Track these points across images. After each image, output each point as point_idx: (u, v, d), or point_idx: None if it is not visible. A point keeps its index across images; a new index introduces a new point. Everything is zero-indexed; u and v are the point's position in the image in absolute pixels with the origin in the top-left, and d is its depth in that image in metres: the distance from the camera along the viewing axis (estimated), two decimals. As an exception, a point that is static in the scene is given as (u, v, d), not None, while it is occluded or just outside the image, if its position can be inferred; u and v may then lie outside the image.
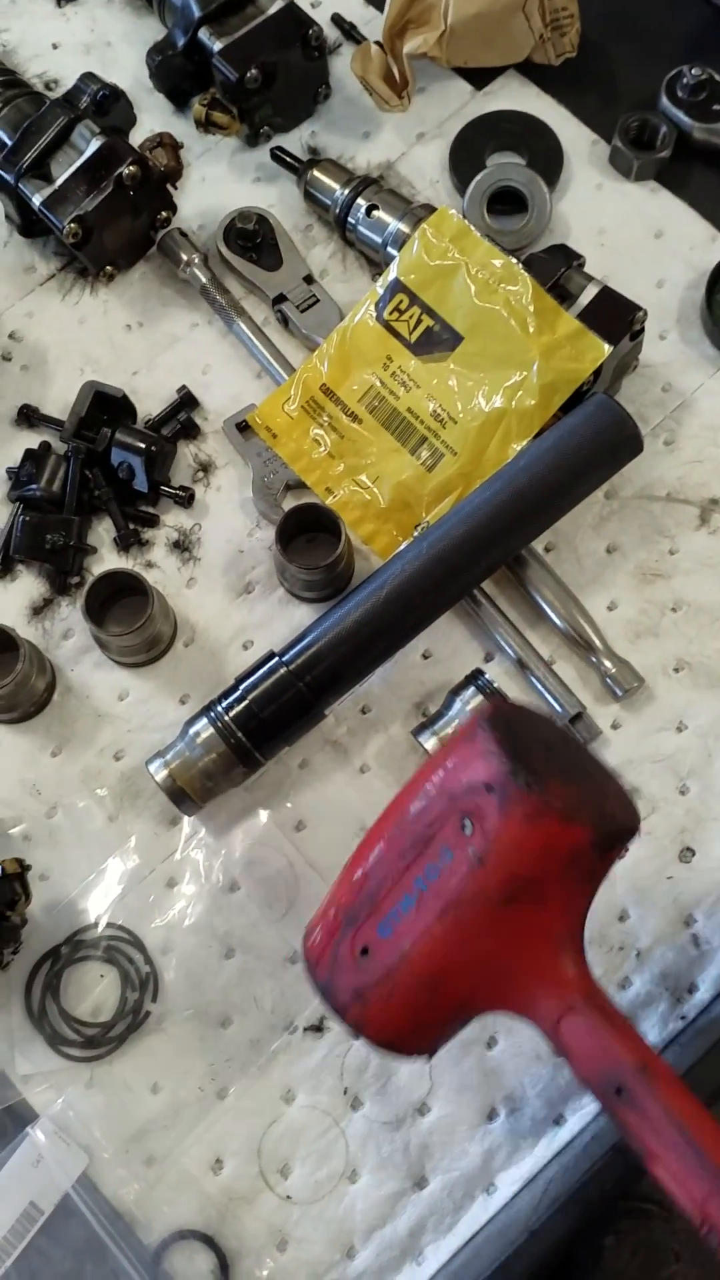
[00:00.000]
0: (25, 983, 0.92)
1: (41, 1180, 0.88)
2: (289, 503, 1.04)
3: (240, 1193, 0.88)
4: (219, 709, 0.92)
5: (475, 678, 0.92)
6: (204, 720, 0.92)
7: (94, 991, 0.92)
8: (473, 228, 1.01)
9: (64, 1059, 0.91)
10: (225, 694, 0.93)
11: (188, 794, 0.92)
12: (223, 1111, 0.90)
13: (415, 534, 1.00)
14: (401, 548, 0.97)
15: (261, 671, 0.93)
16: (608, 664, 0.96)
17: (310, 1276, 0.86)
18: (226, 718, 0.92)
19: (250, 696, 0.92)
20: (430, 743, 0.91)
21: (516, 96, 1.14)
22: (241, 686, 0.93)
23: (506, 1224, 0.84)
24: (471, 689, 0.91)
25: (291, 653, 0.93)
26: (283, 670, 0.93)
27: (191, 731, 0.92)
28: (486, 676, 0.92)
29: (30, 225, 1.09)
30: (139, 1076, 0.90)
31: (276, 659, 0.93)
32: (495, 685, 0.92)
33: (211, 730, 0.92)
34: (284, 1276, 0.86)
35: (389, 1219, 0.87)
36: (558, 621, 0.98)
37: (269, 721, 0.92)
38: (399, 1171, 0.88)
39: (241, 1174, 0.88)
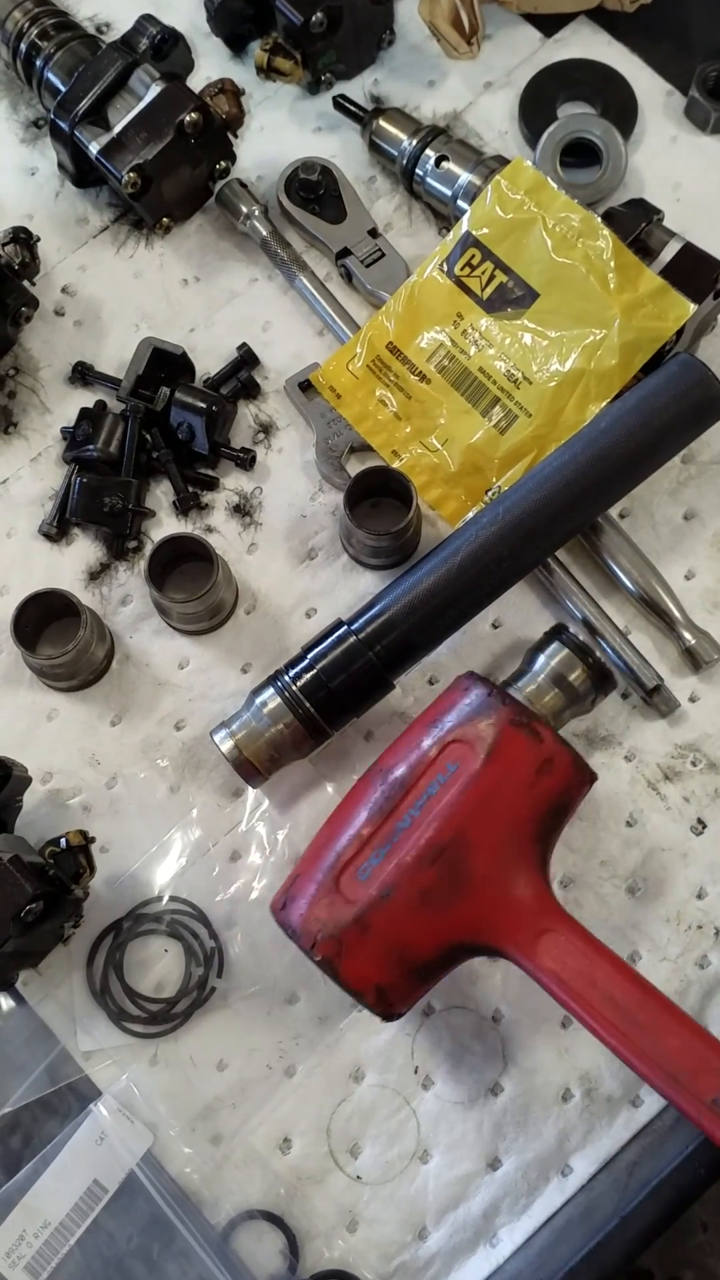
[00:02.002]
0: (87, 957, 0.90)
1: (105, 1158, 0.87)
2: (353, 466, 1.00)
3: (309, 1172, 0.86)
4: (286, 678, 0.89)
5: (558, 633, 0.88)
6: (270, 690, 0.90)
7: (157, 966, 0.90)
8: (549, 180, 0.97)
9: (127, 1035, 0.88)
10: (292, 663, 0.91)
11: (254, 766, 0.89)
12: (291, 1089, 0.88)
13: (486, 499, 0.97)
14: (475, 513, 0.94)
15: (330, 640, 0.90)
16: (686, 635, 0.93)
17: (381, 1258, 0.85)
18: (294, 687, 0.89)
19: (319, 666, 0.89)
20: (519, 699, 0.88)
21: (588, 44, 1.10)
22: (309, 655, 0.90)
23: (588, 1208, 0.82)
24: (556, 644, 0.87)
25: (361, 621, 0.90)
26: (352, 639, 0.89)
27: (258, 701, 0.90)
28: (570, 631, 0.88)
29: (84, 175, 1.05)
30: (205, 1053, 0.88)
31: (346, 627, 0.90)
32: (581, 638, 0.88)
33: (279, 700, 0.89)
34: (354, 1257, 0.85)
35: (461, 1200, 0.86)
36: (633, 590, 0.95)
37: (338, 692, 0.89)
38: (472, 1152, 0.86)
39: (310, 1153, 0.87)
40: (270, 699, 0.89)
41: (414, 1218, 0.85)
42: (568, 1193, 0.85)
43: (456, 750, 0.80)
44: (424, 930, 0.79)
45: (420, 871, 0.78)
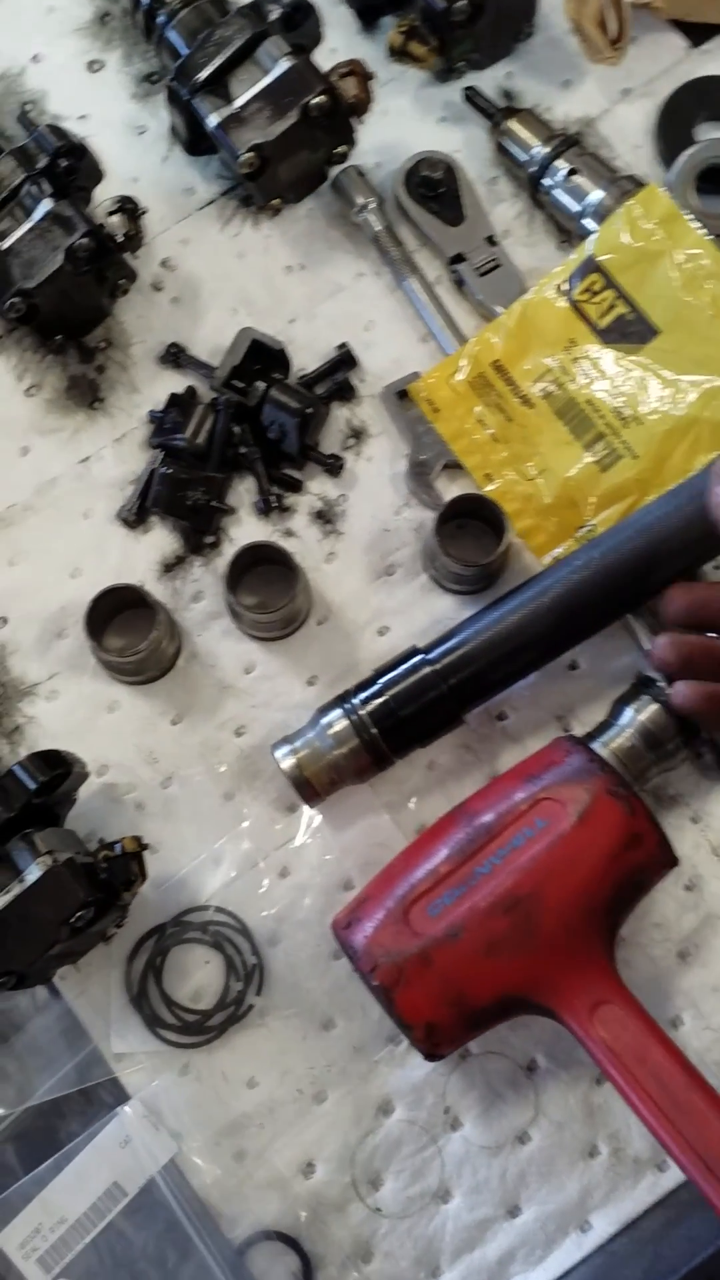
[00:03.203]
0: (127, 958, 0.89)
1: (127, 1161, 0.87)
2: (442, 483, 0.97)
3: (330, 1199, 0.86)
4: (354, 701, 0.87)
5: (646, 685, 0.86)
6: (338, 711, 0.88)
7: (196, 975, 0.89)
8: (685, 214, 0.93)
9: (160, 1042, 0.88)
10: (362, 685, 0.89)
11: (313, 787, 0.87)
12: (319, 1115, 0.87)
13: (578, 536, 0.94)
14: (568, 553, 0.91)
15: (404, 668, 0.88)
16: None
17: (394, 1291, 0.85)
18: (362, 712, 0.87)
19: (390, 693, 0.87)
20: (603, 754, 0.85)
21: (735, 60, 1.05)
22: (380, 680, 0.88)
23: (607, 1275, 0.82)
24: (646, 697, 0.85)
25: (438, 651, 0.88)
26: (427, 669, 0.87)
27: (323, 721, 0.88)
28: (659, 684, 0.86)
29: (196, 143, 1.01)
30: (236, 1069, 0.88)
31: (421, 656, 0.88)
32: (668, 692, 0.86)
33: (345, 723, 0.87)
34: (367, 1288, 0.85)
35: (478, 1244, 0.86)
36: None
37: (407, 721, 0.87)
38: (493, 1197, 0.86)
39: (333, 1181, 0.87)
40: (336, 720, 0.87)
41: (429, 1256, 0.86)
42: (585, 1250, 0.85)
43: (548, 808, 0.79)
44: (485, 977, 0.78)
45: (492, 919, 0.77)
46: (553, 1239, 0.86)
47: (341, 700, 0.88)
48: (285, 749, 0.88)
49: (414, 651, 0.89)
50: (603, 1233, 0.85)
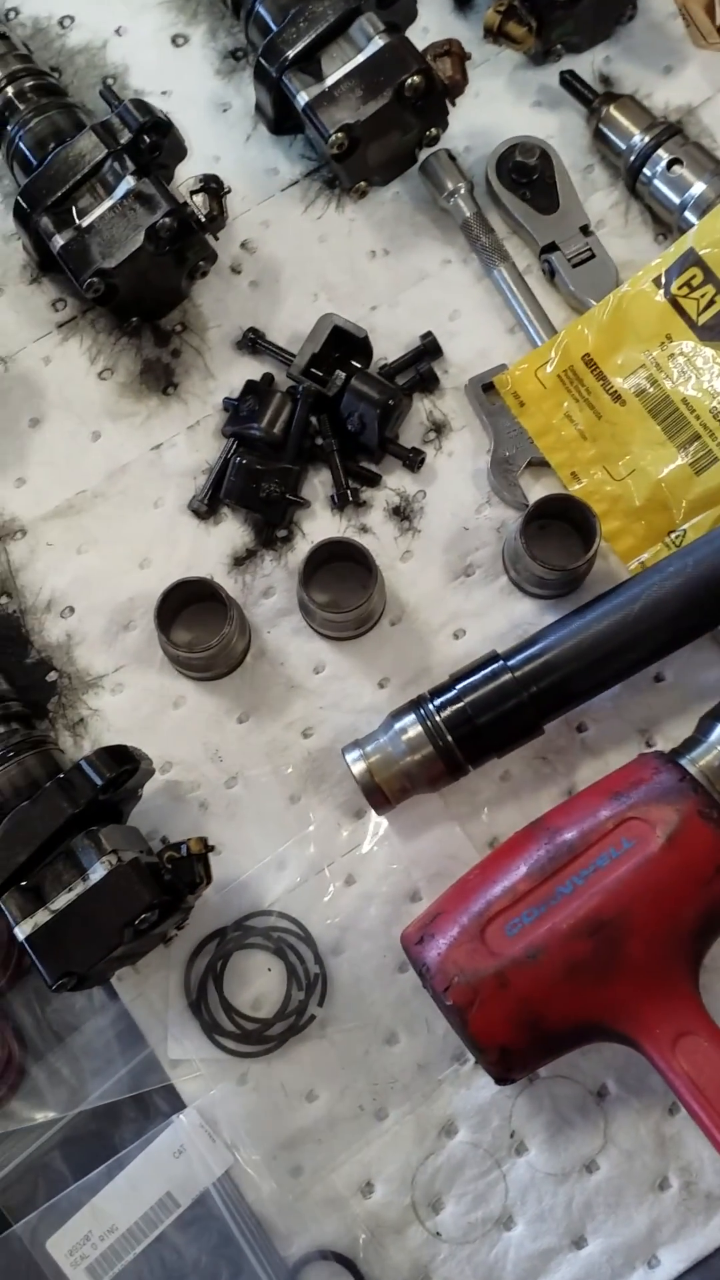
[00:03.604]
0: (186, 962, 0.87)
1: (181, 1172, 0.84)
2: (525, 481, 0.94)
3: (388, 1221, 0.83)
4: (430, 706, 0.84)
5: None
6: (412, 716, 0.84)
7: (256, 983, 0.87)
8: None
9: (219, 1050, 0.85)
10: (438, 690, 0.85)
11: (383, 793, 0.84)
12: (380, 1133, 0.85)
13: (668, 541, 0.90)
14: (659, 559, 0.87)
15: (483, 673, 0.85)
16: None
17: (451, 1320, 0.82)
18: (438, 717, 0.84)
19: (467, 699, 0.84)
20: (692, 772, 0.82)
21: None
22: (458, 686, 0.85)
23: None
24: None
25: (519, 658, 0.85)
26: (507, 675, 0.84)
27: (396, 726, 0.84)
28: None
29: (281, 122, 0.98)
30: (296, 1082, 0.85)
31: (501, 662, 0.85)
32: None
33: (420, 729, 0.84)
34: (424, 1315, 0.82)
35: (541, 1274, 0.83)
36: None
37: (484, 729, 0.84)
38: (558, 1226, 0.83)
39: (392, 1202, 0.84)
40: (410, 726, 0.84)
41: (490, 1285, 0.83)
42: (653, 1286, 0.82)
43: (636, 828, 0.75)
44: (563, 1002, 0.75)
45: (573, 941, 0.74)
46: (619, 1273, 0.82)
47: (416, 705, 0.85)
48: (357, 753, 0.85)
49: (493, 657, 0.85)
50: (671, 1269, 0.82)
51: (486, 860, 0.81)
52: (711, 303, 0.90)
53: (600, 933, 0.74)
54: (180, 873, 0.82)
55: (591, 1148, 0.84)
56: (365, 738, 0.85)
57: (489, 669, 0.85)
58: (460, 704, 0.84)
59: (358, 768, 0.84)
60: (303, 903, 0.88)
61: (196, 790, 0.90)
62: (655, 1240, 0.83)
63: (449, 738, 0.83)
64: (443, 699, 0.84)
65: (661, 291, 0.91)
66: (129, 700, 0.91)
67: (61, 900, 0.78)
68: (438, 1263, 0.83)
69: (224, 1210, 0.84)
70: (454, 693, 0.85)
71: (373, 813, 0.89)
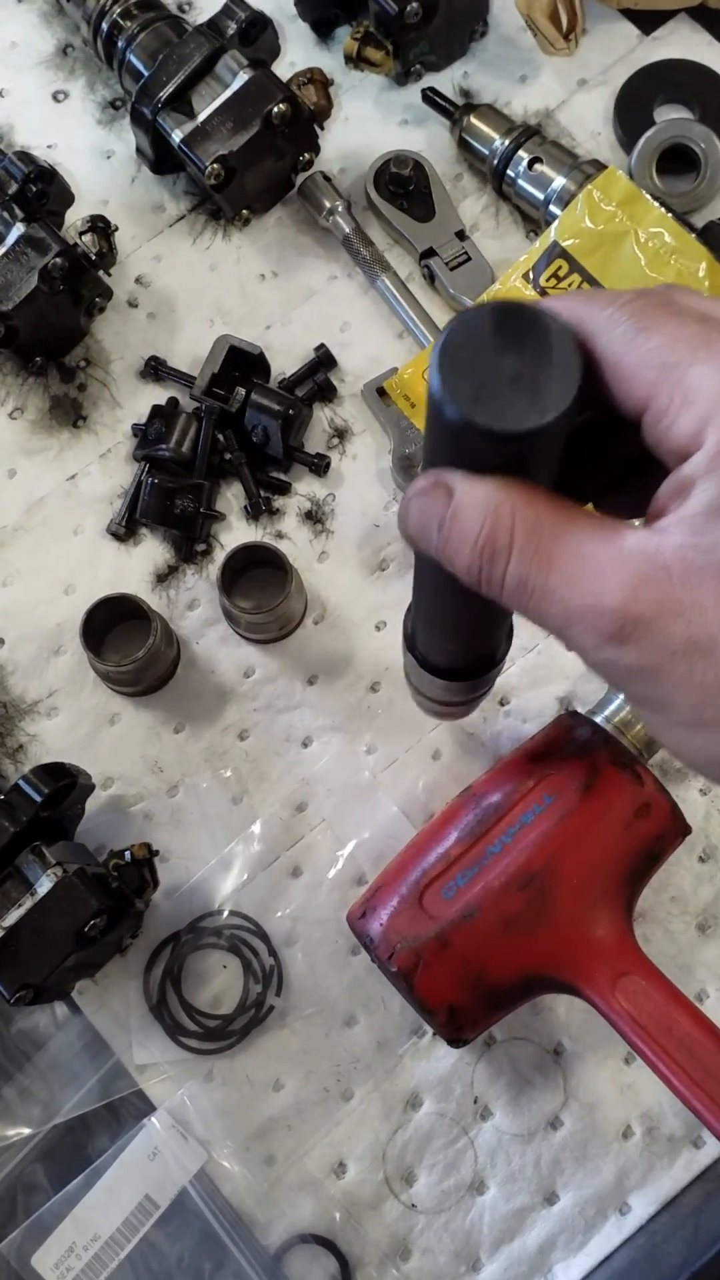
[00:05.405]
0: (144, 969, 0.89)
1: (158, 1174, 0.86)
2: (428, 475, 0.98)
3: (363, 1198, 0.85)
4: None
5: None
6: None
7: (214, 981, 0.89)
8: (644, 193, 0.94)
9: (183, 1050, 0.87)
10: None
11: None
12: (347, 1114, 0.87)
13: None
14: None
15: None
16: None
17: (434, 1288, 0.84)
18: None
19: None
20: (605, 727, 0.84)
21: (687, 44, 1.06)
22: None
23: (653, 1255, 0.81)
24: None
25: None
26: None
27: None
28: None
29: (162, 162, 1.02)
30: (261, 1072, 0.87)
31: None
32: None
33: None
34: (407, 1286, 0.84)
35: (517, 1233, 0.85)
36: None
37: None
38: (529, 1185, 0.85)
39: (365, 1179, 0.86)
40: None
41: (468, 1249, 0.84)
42: (626, 1232, 0.84)
43: (555, 782, 0.78)
44: (503, 956, 0.77)
45: (506, 897, 0.77)
46: (592, 1223, 0.84)
47: None
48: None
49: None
50: (643, 1214, 0.84)
51: (420, 833, 0.84)
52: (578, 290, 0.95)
53: (530, 885, 0.77)
54: (127, 878, 0.84)
55: (554, 1105, 0.86)
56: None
57: None
58: None
59: None
60: (253, 899, 0.90)
61: (140, 802, 0.93)
62: (624, 1188, 0.85)
63: None
64: None
65: (531, 285, 0.96)
66: (66, 722, 0.94)
67: (12, 917, 0.80)
68: (416, 1233, 0.85)
69: (202, 1206, 0.85)
70: None
71: (315, 803, 0.92)
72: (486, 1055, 0.87)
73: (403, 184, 1.01)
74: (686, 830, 0.81)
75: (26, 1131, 0.86)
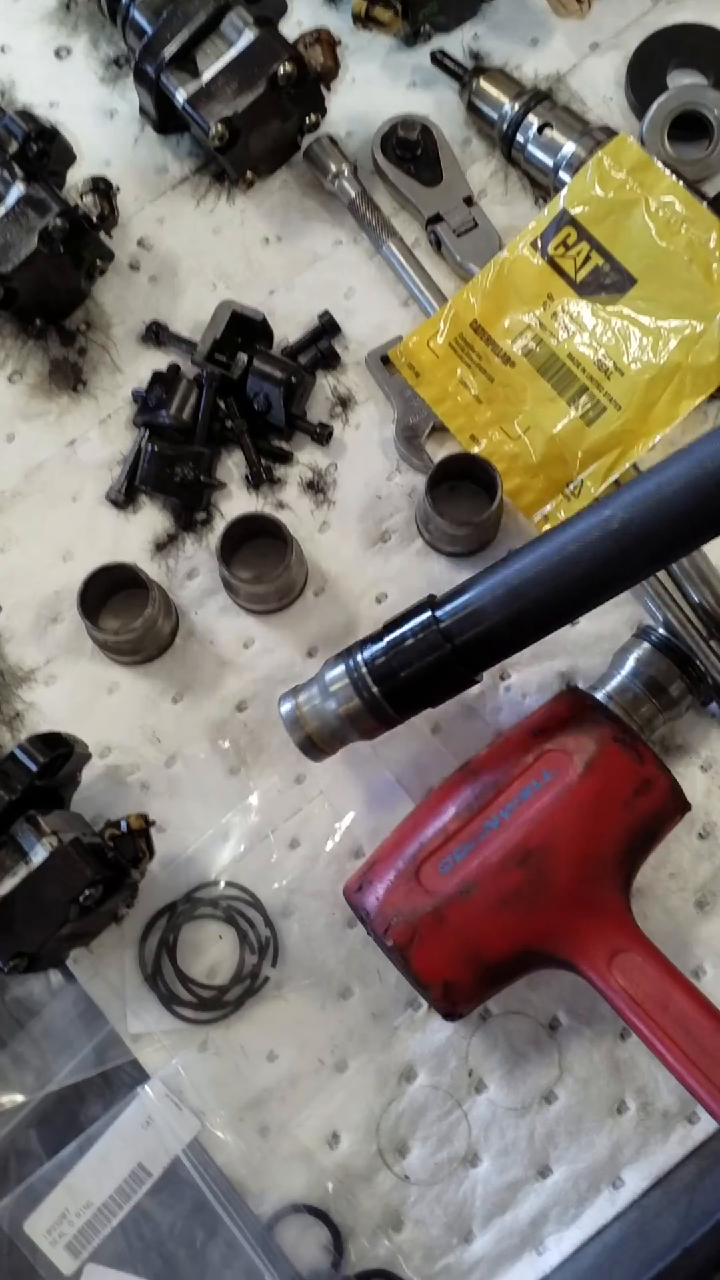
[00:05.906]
0: (140, 938, 0.89)
1: (151, 1142, 0.86)
2: (432, 446, 0.97)
3: (356, 1170, 0.85)
4: (359, 658, 0.84)
5: (646, 634, 0.86)
6: (340, 668, 0.84)
7: (210, 951, 0.89)
8: (656, 160, 0.92)
9: (178, 1020, 0.87)
10: (368, 640, 0.84)
11: (314, 742, 0.85)
12: (341, 1085, 0.87)
13: (566, 492, 0.93)
14: (590, 508, 0.86)
15: (411, 625, 0.84)
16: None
17: (426, 1259, 0.84)
18: (364, 670, 0.84)
19: (394, 651, 0.84)
20: (606, 704, 0.84)
21: (702, 8, 1.04)
22: (387, 637, 0.85)
23: (645, 1230, 0.81)
24: (648, 647, 0.85)
25: (448, 609, 0.84)
26: (434, 628, 0.84)
27: (327, 678, 0.84)
28: (660, 631, 0.86)
29: (166, 121, 1.01)
30: (256, 1043, 0.87)
31: (430, 613, 0.84)
32: (670, 639, 0.86)
33: (347, 681, 0.84)
34: (399, 1256, 0.84)
35: (509, 1206, 0.85)
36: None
37: (410, 682, 0.85)
38: (522, 1159, 0.85)
39: (358, 1151, 0.86)
40: (339, 679, 0.84)
41: (460, 1221, 0.85)
42: (619, 1206, 0.84)
43: (555, 759, 0.78)
44: (499, 932, 0.77)
45: (504, 872, 0.77)
46: (585, 1197, 0.84)
47: (346, 655, 0.84)
48: (290, 703, 0.85)
49: (427, 603, 0.83)
50: (635, 1188, 0.84)
51: (418, 807, 0.83)
52: (587, 259, 0.94)
53: (528, 861, 0.77)
54: (123, 848, 0.84)
55: (548, 1079, 0.86)
56: (300, 687, 0.85)
57: (418, 620, 0.83)
58: (386, 656, 0.83)
59: (289, 718, 0.84)
60: (250, 870, 0.90)
61: (137, 772, 0.92)
62: (618, 1162, 0.85)
63: (374, 690, 0.84)
64: (371, 650, 0.83)
65: (539, 254, 0.95)
66: (63, 691, 0.93)
67: (6, 885, 0.80)
68: (408, 1205, 0.85)
69: (195, 1175, 0.85)
70: (382, 644, 0.84)
71: (313, 776, 0.91)
72: (482, 1029, 0.87)
73: (410, 148, 0.99)
74: (686, 807, 0.80)
75: (20, 1098, 0.86)
